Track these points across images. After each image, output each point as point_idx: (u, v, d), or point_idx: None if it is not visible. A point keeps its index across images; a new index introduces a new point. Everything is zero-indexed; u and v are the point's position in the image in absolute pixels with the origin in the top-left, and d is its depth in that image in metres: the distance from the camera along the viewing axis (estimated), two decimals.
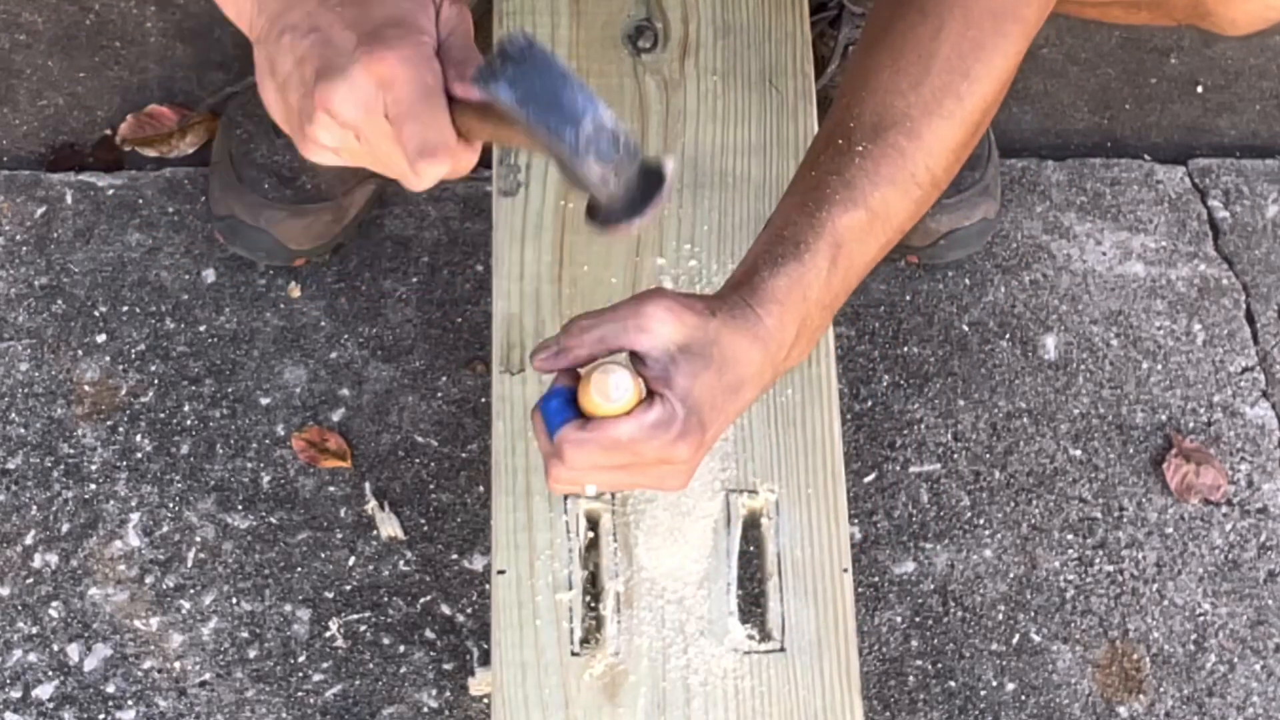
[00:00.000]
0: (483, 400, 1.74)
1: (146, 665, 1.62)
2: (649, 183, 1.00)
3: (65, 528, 1.67)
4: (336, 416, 1.74)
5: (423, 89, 1.01)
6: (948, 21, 1.17)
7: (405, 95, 1.01)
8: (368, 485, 1.70)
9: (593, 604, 1.33)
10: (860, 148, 1.16)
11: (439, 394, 1.75)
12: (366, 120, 1.02)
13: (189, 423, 1.72)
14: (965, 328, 1.82)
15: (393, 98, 1.01)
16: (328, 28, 1.03)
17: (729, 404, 1.13)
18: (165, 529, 1.68)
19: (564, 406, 1.12)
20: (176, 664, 1.62)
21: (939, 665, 1.66)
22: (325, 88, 1.01)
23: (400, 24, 1.02)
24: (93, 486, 1.69)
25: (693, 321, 1.11)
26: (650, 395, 1.11)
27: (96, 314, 1.77)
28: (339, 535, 1.68)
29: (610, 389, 1.09)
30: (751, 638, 1.32)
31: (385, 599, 1.65)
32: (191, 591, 1.65)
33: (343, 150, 1.05)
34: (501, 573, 1.32)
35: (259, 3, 1.06)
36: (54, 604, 1.64)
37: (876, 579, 1.69)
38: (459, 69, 1.03)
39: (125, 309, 1.77)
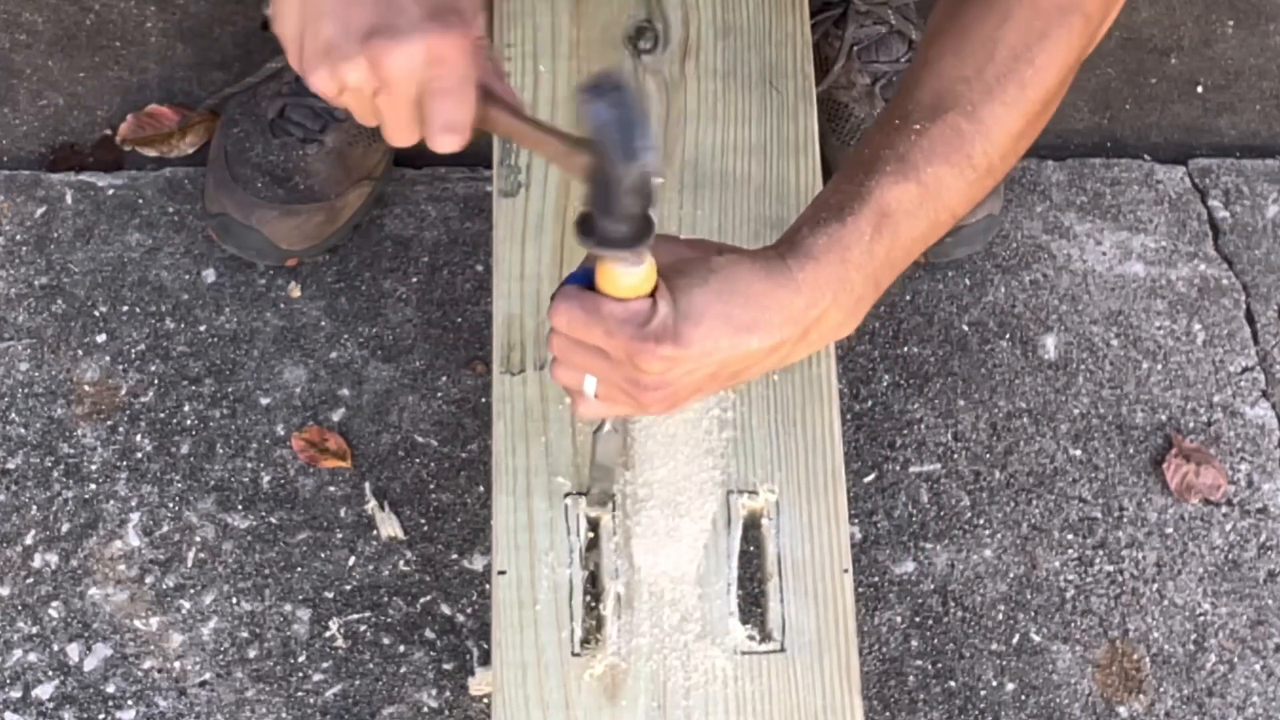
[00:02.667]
0: (483, 400, 1.74)
1: (146, 665, 1.62)
2: (646, 225, 1.10)
3: (65, 528, 1.67)
4: (336, 416, 1.74)
5: (465, 76, 1.10)
6: (1015, 11, 1.19)
7: (452, 76, 1.09)
8: (368, 485, 1.70)
9: (593, 604, 1.33)
10: (917, 126, 1.17)
11: (439, 394, 1.75)
12: (403, 84, 1.09)
13: (189, 423, 1.72)
14: (965, 328, 1.82)
15: (440, 74, 1.09)
16: None
17: (723, 334, 1.13)
18: (165, 529, 1.68)
19: (580, 277, 1.14)
20: (176, 664, 1.62)
21: (939, 665, 1.66)
22: (383, 44, 1.07)
23: (458, 12, 1.10)
24: (93, 486, 1.69)
25: (686, 249, 1.15)
26: None
27: (96, 314, 1.77)
28: (339, 535, 1.68)
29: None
30: (752, 638, 1.32)
31: (385, 599, 1.65)
32: (191, 591, 1.65)
33: (349, 94, 1.11)
34: (502, 573, 1.32)
35: None
36: (54, 604, 1.64)
37: (876, 579, 1.69)
38: (485, 66, 1.12)
39: (125, 309, 1.78)
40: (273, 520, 1.68)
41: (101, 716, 1.59)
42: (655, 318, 1.11)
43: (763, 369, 1.18)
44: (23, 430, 1.71)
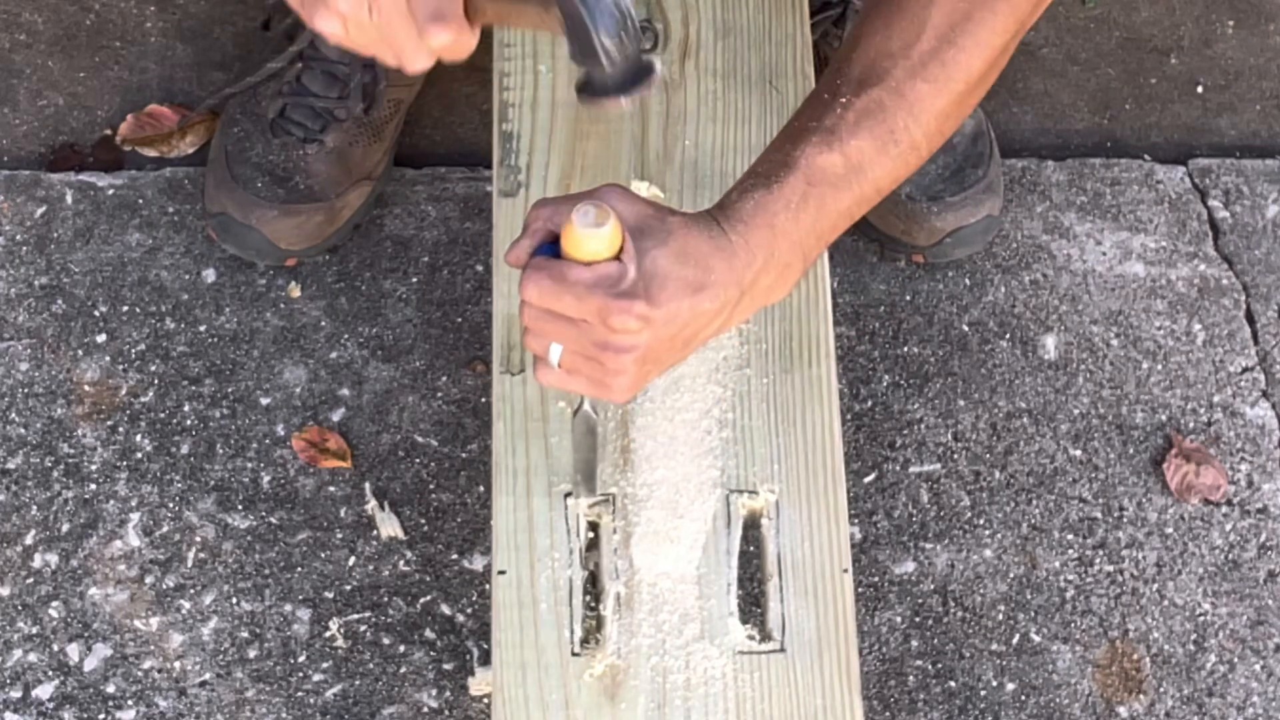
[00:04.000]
0: (483, 400, 1.74)
1: (146, 665, 1.62)
2: (642, 70, 1.12)
3: (65, 528, 1.67)
4: (336, 416, 1.74)
5: None
6: None
7: None
8: (368, 485, 1.70)
9: (593, 604, 1.33)
10: (843, 99, 1.21)
11: (439, 394, 1.75)
12: None
13: (189, 423, 1.72)
14: (965, 328, 1.82)
15: None
16: None
17: (684, 295, 1.16)
18: (165, 529, 1.68)
19: (546, 249, 1.17)
20: (176, 664, 1.62)
21: (939, 665, 1.66)
22: None
23: None
24: (93, 486, 1.69)
25: (646, 209, 1.17)
26: None
27: (96, 314, 1.77)
28: (339, 535, 1.68)
29: (583, 216, 1.13)
30: (752, 638, 1.32)
31: (385, 599, 1.65)
32: (191, 591, 1.65)
33: (351, 22, 1.12)
34: (502, 573, 1.32)
35: None
36: (54, 604, 1.64)
37: (876, 579, 1.69)
38: None
39: (125, 309, 1.78)
40: (273, 520, 1.68)
41: (101, 716, 1.59)
42: (625, 279, 1.14)
43: (706, 336, 1.20)
44: (23, 430, 1.71)
